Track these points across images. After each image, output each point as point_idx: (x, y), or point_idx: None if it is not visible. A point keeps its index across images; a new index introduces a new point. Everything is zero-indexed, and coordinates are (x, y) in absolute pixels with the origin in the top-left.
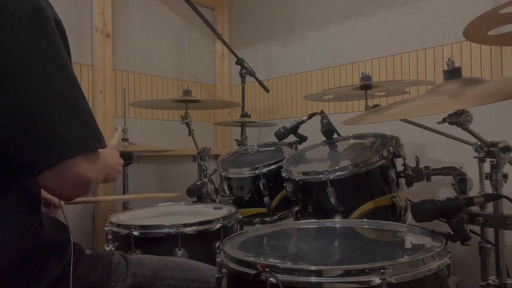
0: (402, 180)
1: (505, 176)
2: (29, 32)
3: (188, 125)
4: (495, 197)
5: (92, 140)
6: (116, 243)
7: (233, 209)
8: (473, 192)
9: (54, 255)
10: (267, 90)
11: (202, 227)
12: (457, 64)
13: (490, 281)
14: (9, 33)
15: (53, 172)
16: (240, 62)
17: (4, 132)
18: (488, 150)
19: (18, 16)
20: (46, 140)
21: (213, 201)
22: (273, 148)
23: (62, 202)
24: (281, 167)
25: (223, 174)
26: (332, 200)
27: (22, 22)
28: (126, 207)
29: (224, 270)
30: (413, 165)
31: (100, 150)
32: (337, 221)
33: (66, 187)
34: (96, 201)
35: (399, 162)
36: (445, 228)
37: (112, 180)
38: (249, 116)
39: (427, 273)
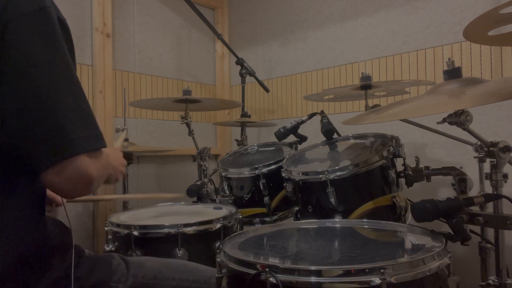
0: (402, 180)
1: (505, 176)
2: (33, 32)
3: (188, 125)
4: (495, 197)
5: (95, 139)
6: (116, 243)
7: (233, 209)
8: (473, 192)
9: (56, 256)
10: (267, 90)
11: (202, 227)
12: (457, 64)
13: (490, 281)
14: (13, 31)
15: (57, 169)
16: (240, 62)
17: (9, 129)
18: (488, 150)
19: (22, 15)
20: (50, 137)
21: (213, 201)
22: (273, 148)
23: (64, 200)
24: (281, 167)
25: (223, 174)
26: (332, 200)
27: (26, 21)
28: (126, 207)
29: (224, 270)
30: (413, 165)
31: (103, 149)
32: (337, 221)
33: (69, 184)
34: (98, 199)
35: (399, 162)
36: (445, 228)
37: (114, 181)
38: (249, 116)
39: (427, 273)
